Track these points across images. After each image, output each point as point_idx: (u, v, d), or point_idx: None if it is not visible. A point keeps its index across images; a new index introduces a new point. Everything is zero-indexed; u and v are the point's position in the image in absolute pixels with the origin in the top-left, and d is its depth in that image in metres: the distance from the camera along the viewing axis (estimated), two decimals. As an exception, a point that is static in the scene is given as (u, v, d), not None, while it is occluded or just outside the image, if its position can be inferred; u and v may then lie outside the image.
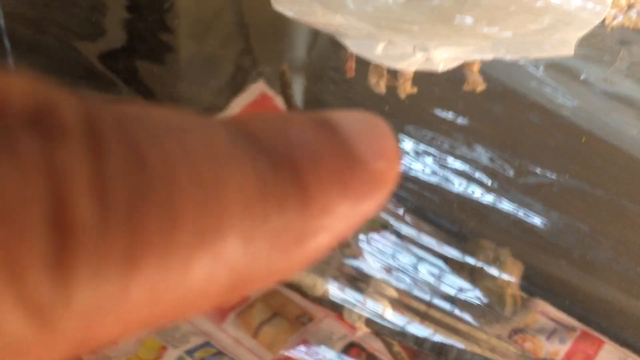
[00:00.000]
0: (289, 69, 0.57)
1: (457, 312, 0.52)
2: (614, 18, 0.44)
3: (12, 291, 0.08)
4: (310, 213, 0.10)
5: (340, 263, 0.58)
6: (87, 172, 0.08)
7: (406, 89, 0.47)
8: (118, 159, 0.08)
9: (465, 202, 0.48)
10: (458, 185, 0.47)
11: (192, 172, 0.09)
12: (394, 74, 0.48)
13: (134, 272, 0.08)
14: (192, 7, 0.55)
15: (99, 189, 0.08)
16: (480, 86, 0.46)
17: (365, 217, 0.11)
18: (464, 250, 0.57)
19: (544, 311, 0.57)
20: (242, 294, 0.10)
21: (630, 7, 0.45)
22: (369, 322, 0.52)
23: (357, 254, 0.59)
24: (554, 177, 0.38)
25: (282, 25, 0.56)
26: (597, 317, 0.41)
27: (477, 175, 0.44)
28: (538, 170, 0.40)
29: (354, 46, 0.45)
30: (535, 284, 0.46)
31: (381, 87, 0.49)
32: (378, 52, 0.44)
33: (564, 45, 0.40)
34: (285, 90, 0.58)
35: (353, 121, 0.11)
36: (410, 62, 0.44)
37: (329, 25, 0.43)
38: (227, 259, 0.09)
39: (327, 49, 0.57)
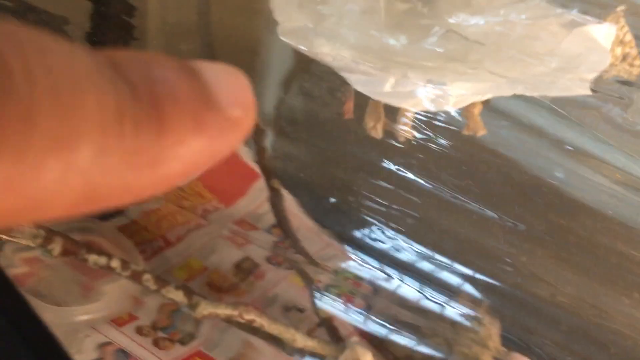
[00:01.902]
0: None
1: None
2: (609, 67, 0.46)
3: None
4: (164, 141, 0.11)
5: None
6: None
7: (404, 133, 0.47)
8: None
9: (460, 243, 0.47)
10: (452, 222, 0.46)
11: (52, 85, 0.10)
12: (392, 117, 0.47)
13: None
14: (159, 32, 0.54)
15: None
16: (481, 131, 0.46)
17: (218, 156, 0.12)
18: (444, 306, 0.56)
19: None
20: (97, 205, 0.11)
21: (625, 57, 0.46)
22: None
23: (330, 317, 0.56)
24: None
25: (253, 57, 0.55)
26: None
27: (480, 215, 0.43)
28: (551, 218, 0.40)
29: (360, 83, 0.43)
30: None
31: (378, 130, 0.47)
32: (387, 88, 0.43)
33: (580, 84, 0.40)
34: (258, 139, 0.56)
35: (215, 71, 0.12)
36: (418, 101, 0.43)
37: (340, 58, 0.42)
38: (80, 167, 0.10)
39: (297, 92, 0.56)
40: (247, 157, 0.60)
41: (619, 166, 0.37)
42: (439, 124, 0.46)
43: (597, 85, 0.40)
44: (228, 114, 0.12)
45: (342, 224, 0.55)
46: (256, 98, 0.13)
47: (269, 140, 0.59)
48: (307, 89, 0.54)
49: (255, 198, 0.60)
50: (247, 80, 0.13)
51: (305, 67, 0.54)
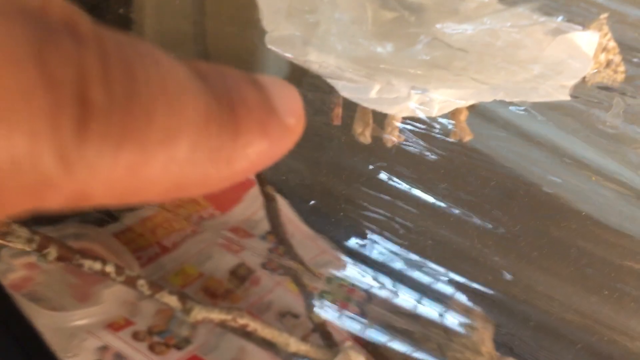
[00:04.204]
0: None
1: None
2: (593, 73, 0.46)
3: (52, 140, 0.11)
4: (239, 142, 0.13)
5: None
6: (99, 70, 0.11)
7: (393, 137, 0.47)
8: (117, 66, 0.12)
9: (438, 245, 0.47)
10: (440, 228, 0.47)
11: (164, 89, 0.12)
12: (380, 123, 0.48)
13: (121, 149, 0.12)
14: (154, 43, 0.54)
15: (106, 84, 0.11)
16: (468, 136, 0.47)
17: (274, 158, 0.14)
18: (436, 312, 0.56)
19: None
20: (182, 193, 0.13)
21: (609, 63, 0.47)
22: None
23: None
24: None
25: (247, 66, 0.56)
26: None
27: (471, 219, 0.44)
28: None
29: (346, 89, 0.44)
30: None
31: (366, 136, 0.48)
32: (372, 95, 0.44)
33: (560, 90, 0.41)
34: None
35: (275, 84, 0.14)
36: (403, 107, 0.44)
37: (326, 65, 0.43)
38: (178, 159, 0.12)
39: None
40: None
41: (595, 168, 0.38)
42: (426, 130, 0.46)
43: (578, 91, 0.41)
44: (285, 121, 0.14)
45: (333, 232, 0.56)
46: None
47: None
48: (301, 97, 0.55)
49: (250, 205, 0.61)
50: (298, 92, 0.14)
51: (299, 76, 0.55)
